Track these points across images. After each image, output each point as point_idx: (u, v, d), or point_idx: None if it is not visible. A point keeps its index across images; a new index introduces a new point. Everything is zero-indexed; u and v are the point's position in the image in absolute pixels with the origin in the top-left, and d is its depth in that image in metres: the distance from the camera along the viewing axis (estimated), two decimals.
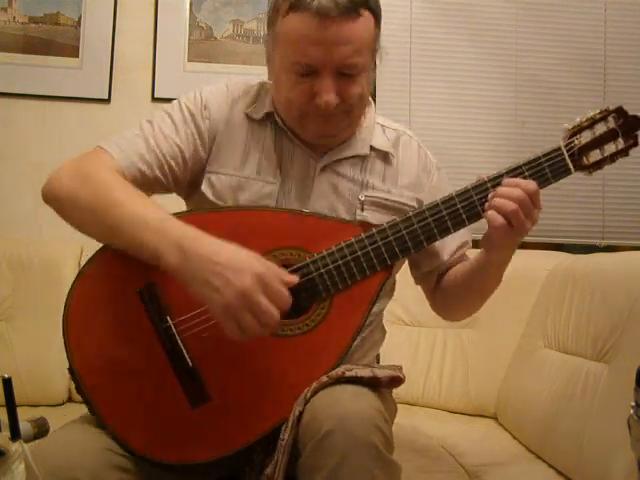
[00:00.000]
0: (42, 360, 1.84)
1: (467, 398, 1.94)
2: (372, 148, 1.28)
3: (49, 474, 0.91)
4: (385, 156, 1.29)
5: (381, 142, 1.30)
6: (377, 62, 1.22)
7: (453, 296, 1.32)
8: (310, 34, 1.10)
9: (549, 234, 2.49)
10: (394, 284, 1.34)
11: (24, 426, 0.77)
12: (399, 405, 1.75)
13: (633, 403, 0.82)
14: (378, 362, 1.35)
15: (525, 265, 1.97)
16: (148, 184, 1.17)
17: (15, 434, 0.74)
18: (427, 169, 1.33)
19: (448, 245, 1.31)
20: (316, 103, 1.14)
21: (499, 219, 1.07)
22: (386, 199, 1.25)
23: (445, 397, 1.97)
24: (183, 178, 1.22)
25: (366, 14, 1.13)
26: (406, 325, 2.05)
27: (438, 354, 2.02)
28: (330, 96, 1.13)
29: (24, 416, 0.77)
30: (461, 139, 2.48)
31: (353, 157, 1.26)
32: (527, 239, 2.53)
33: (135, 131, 1.21)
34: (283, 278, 1.02)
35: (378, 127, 1.32)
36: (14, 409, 0.74)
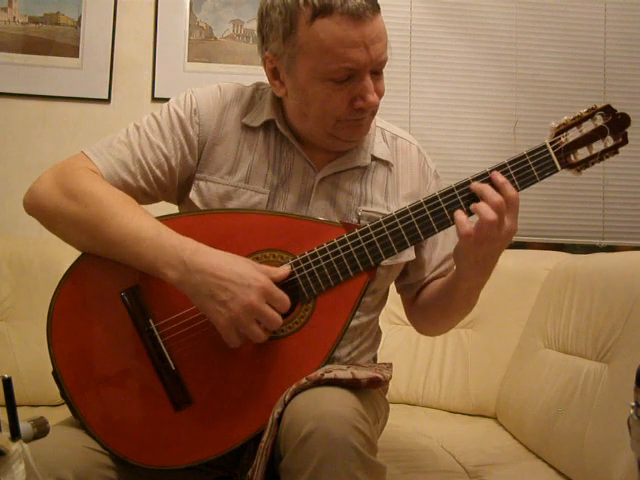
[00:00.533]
0: (42, 360, 1.84)
1: (467, 398, 1.94)
2: (373, 157, 1.25)
3: (41, 474, 0.90)
4: (387, 166, 1.27)
5: (382, 150, 1.27)
6: None
7: (427, 310, 1.31)
8: (350, 36, 1.06)
9: (549, 234, 2.49)
10: (385, 297, 1.32)
11: (24, 426, 0.77)
12: (399, 405, 1.76)
13: (633, 403, 0.82)
14: (375, 361, 1.35)
15: (525, 265, 1.97)
16: (131, 194, 1.14)
17: (15, 434, 0.73)
18: (425, 176, 1.31)
19: (435, 258, 1.30)
20: (356, 106, 1.12)
21: (466, 226, 1.06)
22: (384, 214, 1.20)
23: (445, 397, 1.97)
24: (170, 185, 1.20)
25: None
26: (406, 325, 2.04)
27: (438, 354, 2.02)
28: (374, 96, 1.12)
29: (24, 416, 0.77)
30: (460, 139, 2.48)
31: (354, 168, 1.23)
32: (527, 239, 2.52)
33: (121, 136, 1.18)
34: (278, 272, 1.06)
35: (378, 132, 1.29)
36: (14, 409, 0.74)
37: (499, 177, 1.07)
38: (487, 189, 1.06)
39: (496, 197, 1.05)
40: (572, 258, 1.91)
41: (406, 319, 2.02)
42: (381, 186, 1.25)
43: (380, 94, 1.15)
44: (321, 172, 1.21)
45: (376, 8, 1.09)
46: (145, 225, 1.07)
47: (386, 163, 1.27)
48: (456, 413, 1.94)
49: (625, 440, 0.85)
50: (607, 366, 1.36)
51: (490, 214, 1.04)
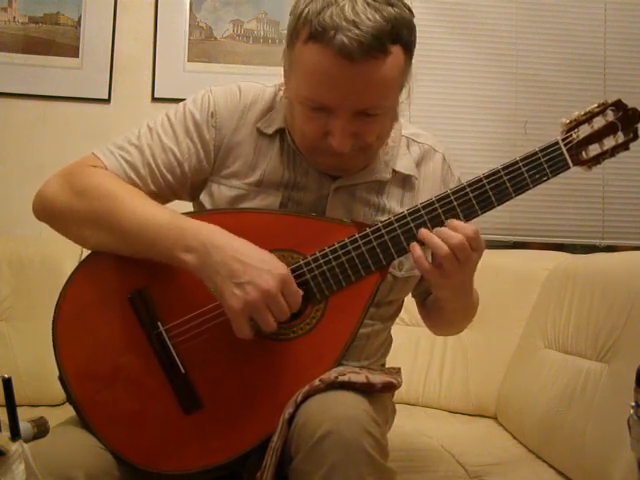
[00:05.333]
0: (42, 360, 1.84)
1: (467, 398, 1.94)
2: (394, 171, 1.20)
3: (46, 474, 0.89)
4: (407, 179, 1.21)
5: (405, 163, 1.21)
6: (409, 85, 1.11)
7: (430, 317, 1.32)
8: (328, 73, 0.99)
9: (549, 234, 2.49)
10: (400, 307, 1.31)
11: (24, 426, 0.77)
12: (399, 405, 1.75)
13: (633, 403, 0.82)
14: (383, 365, 1.33)
15: (525, 265, 1.97)
16: None
17: (15, 434, 0.74)
18: (446, 185, 1.23)
19: None
20: (329, 142, 1.06)
21: (425, 265, 1.04)
22: None
23: (445, 397, 1.97)
24: (181, 188, 1.17)
25: (395, 49, 1.01)
26: (406, 325, 2.05)
27: (438, 354, 2.02)
28: (345, 140, 1.05)
29: (24, 416, 0.77)
30: (460, 139, 2.48)
31: (372, 182, 1.18)
32: (527, 239, 2.52)
33: (132, 138, 1.15)
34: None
35: (404, 142, 1.24)
36: (14, 409, 0.74)
37: (453, 223, 1.05)
38: (435, 239, 1.03)
39: (455, 239, 1.03)
40: (572, 258, 1.92)
41: (406, 319, 2.04)
42: (400, 198, 1.21)
43: (367, 136, 1.07)
44: (336, 182, 1.16)
45: (373, 52, 0.97)
46: (160, 212, 1.05)
47: (408, 177, 1.21)
48: (456, 413, 1.94)
49: (625, 440, 0.86)
50: (607, 366, 1.36)
51: (443, 249, 1.02)
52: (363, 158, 1.14)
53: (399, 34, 1.00)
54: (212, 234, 1.02)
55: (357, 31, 0.96)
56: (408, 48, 1.04)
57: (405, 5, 1.04)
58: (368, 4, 0.98)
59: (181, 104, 1.19)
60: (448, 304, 1.18)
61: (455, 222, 1.05)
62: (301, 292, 1.03)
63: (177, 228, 1.02)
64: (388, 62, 1.00)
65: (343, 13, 0.97)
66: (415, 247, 1.06)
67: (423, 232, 1.06)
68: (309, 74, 1.02)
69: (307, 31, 1.00)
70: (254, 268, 0.99)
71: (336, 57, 0.98)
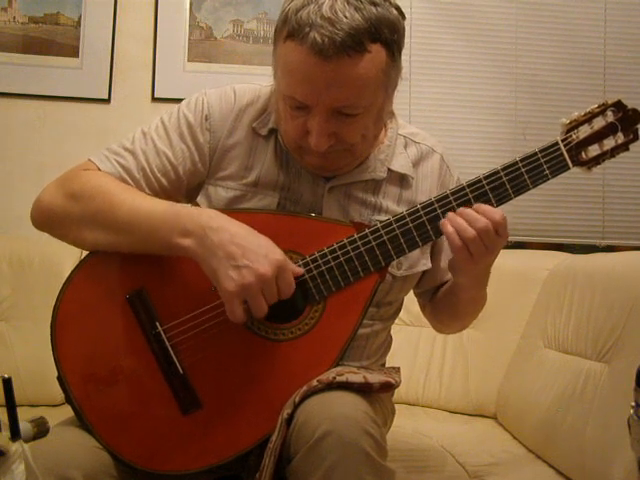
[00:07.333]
0: (42, 360, 1.84)
1: (467, 398, 1.94)
2: (390, 170, 1.19)
3: (44, 474, 0.89)
4: (403, 178, 1.21)
5: (401, 163, 1.21)
6: (398, 82, 1.13)
7: (439, 314, 1.32)
8: (303, 71, 1.00)
9: (549, 234, 2.49)
10: (400, 307, 1.31)
11: (24, 426, 0.77)
12: (399, 405, 1.76)
13: (633, 403, 0.82)
14: (383, 365, 1.33)
15: (525, 265, 1.97)
16: None
17: (15, 434, 0.73)
18: (445, 185, 1.23)
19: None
20: (308, 141, 1.06)
21: (457, 241, 1.04)
22: None
23: (445, 397, 1.97)
24: (177, 191, 1.17)
25: (375, 48, 1.00)
26: (406, 325, 2.05)
27: (438, 354, 2.02)
28: (321, 139, 1.04)
29: (24, 416, 0.77)
30: (460, 139, 2.48)
31: (367, 181, 1.18)
32: (527, 239, 2.52)
33: (127, 143, 1.15)
34: (293, 269, 1.04)
35: (401, 142, 1.23)
36: (14, 409, 0.74)
37: (481, 207, 1.06)
38: (459, 220, 1.04)
39: (480, 222, 1.03)
40: (572, 258, 1.92)
41: (406, 319, 2.04)
42: (396, 197, 1.20)
43: (348, 137, 1.07)
44: (330, 182, 1.16)
45: (348, 50, 0.97)
46: (157, 202, 1.07)
47: (404, 176, 1.21)
48: (456, 413, 1.94)
49: (625, 440, 0.85)
50: (607, 366, 1.36)
51: (468, 231, 1.03)
52: (350, 159, 1.13)
53: (379, 33, 1.00)
54: (210, 217, 1.03)
55: (331, 28, 0.96)
56: (390, 48, 1.03)
57: (394, 5, 1.03)
58: (348, 3, 0.98)
59: (175, 107, 1.19)
60: (466, 292, 1.18)
61: (483, 206, 1.06)
62: (294, 283, 1.03)
63: (174, 214, 1.03)
64: (365, 60, 1.00)
65: (320, 11, 0.98)
66: (446, 223, 1.06)
67: (450, 213, 1.06)
68: (287, 72, 1.03)
69: (286, 29, 1.01)
70: (252, 252, 0.99)
71: (309, 54, 0.98)
